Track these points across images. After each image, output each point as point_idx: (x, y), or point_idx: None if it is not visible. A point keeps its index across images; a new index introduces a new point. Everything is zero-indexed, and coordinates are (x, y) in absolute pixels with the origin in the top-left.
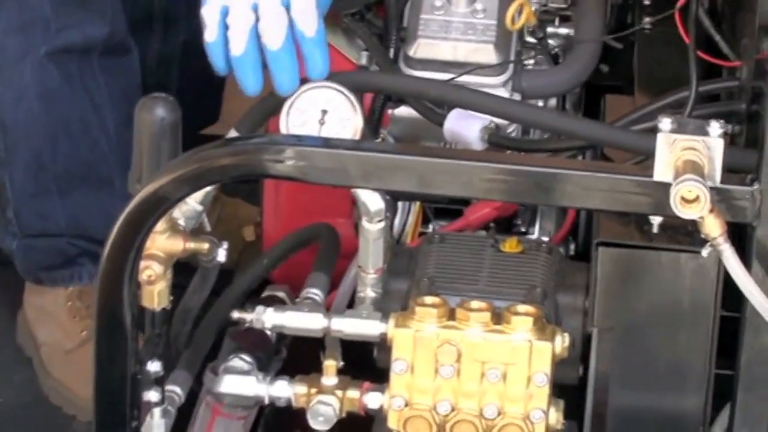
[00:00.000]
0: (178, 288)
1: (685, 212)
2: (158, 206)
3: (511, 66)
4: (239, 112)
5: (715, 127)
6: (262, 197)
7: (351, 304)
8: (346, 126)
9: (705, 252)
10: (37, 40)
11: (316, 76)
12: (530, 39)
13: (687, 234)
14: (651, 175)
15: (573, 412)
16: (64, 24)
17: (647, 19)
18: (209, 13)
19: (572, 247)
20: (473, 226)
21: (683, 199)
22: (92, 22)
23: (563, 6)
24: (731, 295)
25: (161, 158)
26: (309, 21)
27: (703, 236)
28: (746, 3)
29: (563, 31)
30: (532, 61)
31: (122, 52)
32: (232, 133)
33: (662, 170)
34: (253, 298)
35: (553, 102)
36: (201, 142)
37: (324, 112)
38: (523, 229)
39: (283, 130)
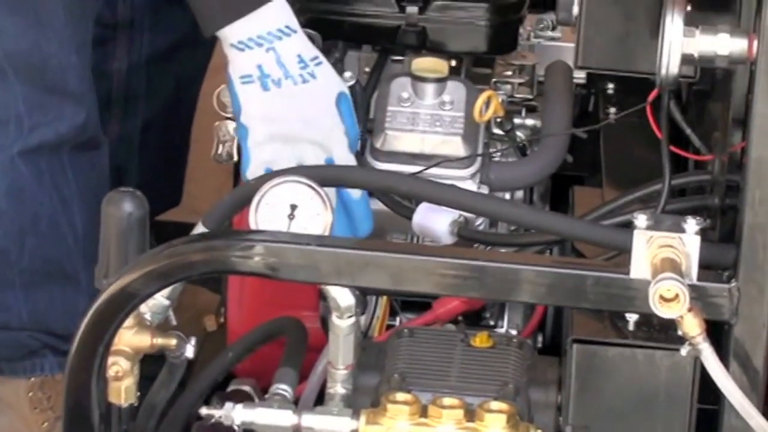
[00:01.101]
0: (146, 379)
1: (664, 311)
2: (127, 302)
3: (479, 158)
4: (201, 196)
5: (692, 224)
6: (226, 287)
7: (320, 398)
8: (316, 221)
9: (684, 351)
10: (9, 139)
11: (364, 234)
12: (497, 131)
13: (662, 330)
14: (628, 273)
15: None
16: (38, 121)
17: (613, 110)
18: (254, 176)
19: (539, 339)
20: (442, 319)
21: (662, 297)
22: (66, 116)
23: (529, 97)
24: (707, 386)
25: (129, 253)
26: None
27: (681, 335)
28: (717, 96)
29: (530, 122)
30: (499, 154)
31: (93, 146)
32: (199, 227)
33: (639, 268)
34: (218, 391)
35: (520, 194)
36: (162, 229)
37: (293, 206)
38: (491, 323)
39: (252, 225)
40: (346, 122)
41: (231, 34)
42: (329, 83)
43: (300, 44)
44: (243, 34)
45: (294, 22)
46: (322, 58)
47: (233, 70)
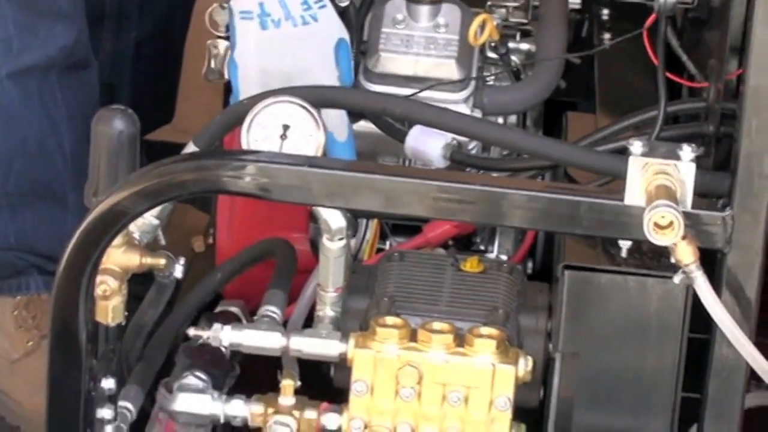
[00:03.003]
0: (135, 298)
1: (658, 239)
2: (116, 221)
3: (473, 82)
4: (192, 117)
5: (687, 151)
6: (215, 208)
7: (308, 321)
8: (309, 142)
9: (677, 279)
10: None
11: None
12: (492, 54)
13: (654, 257)
14: (622, 199)
15: None
16: (27, 44)
17: (607, 36)
18: None
19: (530, 265)
20: (432, 243)
21: (656, 225)
22: (56, 37)
23: (524, 21)
24: (698, 316)
25: (119, 172)
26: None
27: (674, 262)
28: (713, 23)
29: (525, 46)
30: (493, 77)
31: (82, 66)
32: (190, 147)
33: (633, 194)
34: (206, 312)
35: (513, 119)
36: (151, 148)
37: (286, 127)
38: (482, 248)
39: (244, 145)
40: (341, 69)
41: None
42: (330, 27)
43: None
44: None
45: None
46: (326, 1)
47: (235, 4)
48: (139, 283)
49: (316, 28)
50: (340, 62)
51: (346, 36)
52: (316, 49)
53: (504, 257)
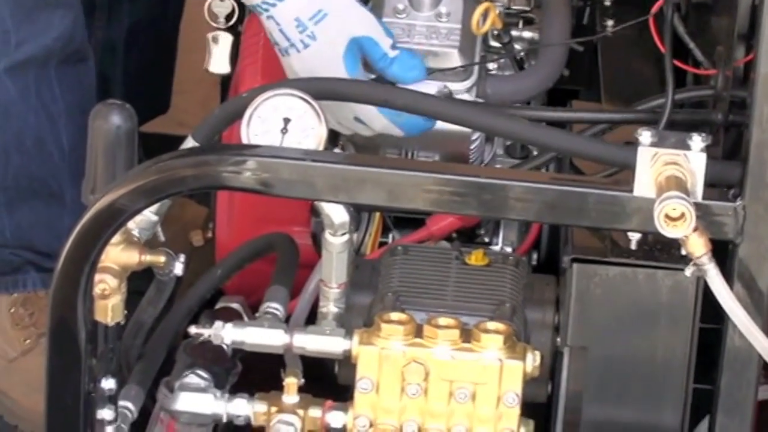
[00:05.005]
0: (136, 294)
1: (670, 231)
2: (114, 218)
3: (476, 71)
4: (188, 109)
5: (697, 141)
6: (214, 202)
7: (311, 317)
8: (310, 135)
9: (688, 272)
10: None
11: None
12: (495, 43)
13: (663, 249)
14: (631, 190)
15: None
16: (25, 36)
17: (610, 23)
18: None
19: (534, 256)
20: (436, 236)
21: (667, 216)
22: (54, 26)
23: (526, 8)
24: (709, 306)
25: (117, 168)
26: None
27: (686, 254)
28: (721, 9)
29: (527, 34)
30: (496, 66)
31: (80, 59)
32: (189, 142)
33: (643, 185)
34: (206, 309)
35: None
36: (147, 141)
37: (287, 120)
38: (486, 240)
39: (244, 139)
40: (373, 61)
41: None
42: (332, 39)
43: (297, 4)
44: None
45: None
46: (326, 7)
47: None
48: (138, 277)
49: (316, 46)
50: (367, 60)
51: (355, 34)
52: (324, 67)
53: (509, 249)
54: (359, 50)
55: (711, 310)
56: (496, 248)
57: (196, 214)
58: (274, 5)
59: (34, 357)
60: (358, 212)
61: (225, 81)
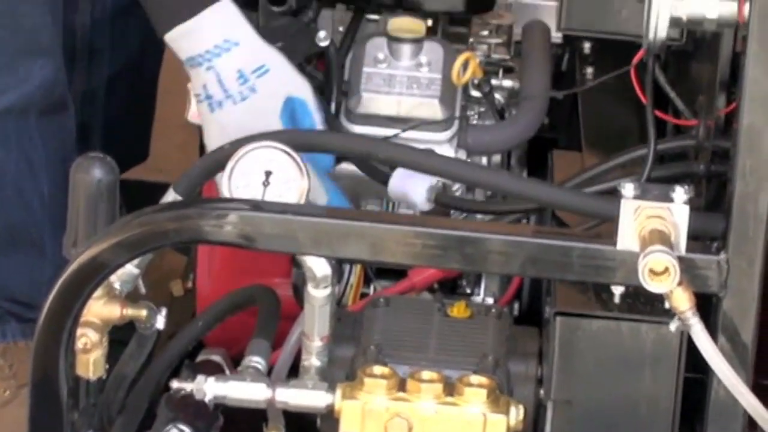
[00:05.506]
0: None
1: (654, 286)
2: (97, 272)
3: (457, 121)
4: (167, 155)
5: (680, 193)
6: (195, 252)
7: (293, 368)
8: (292, 188)
9: (673, 327)
10: None
11: None
12: (475, 93)
13: (647, 302)
14: (614, 244)
15: None
16: (6, 85)
17: (590, 70)
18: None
19: (516, 307)
20: (418, 287)
21: (652, 271)
22: (35, 75)
23: (506, 57)
24: (693, 356)
25: (98, 221)
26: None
27: (670, 309)
28: (701, 56)
29: (508, 83)
30: (477, 116)
31: (60, 108)
32: (170, 194)
33: (626, 239)
34: (187, 361)
35: (497, 158)
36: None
37: (268, 173)
38: (468, 290)
39: (226, 192)
40: (300, 125)
41: (178, 49)
42: (272, 93)
43: (241, 57)
44: (187, 51)
45: (236, 32)
46: (270, 63)
47: (191, 87)
48: (117, 326)
49: (255, 99)
50: (298, 121)
51: (295, 92)
52: (261, 121)
53: (491, 300)
54: (292, 110)
55: (695, 360)
56: (478, 299)
57: (175, 264)
58: (218, 56)
59: (13, 408)
60: (340, 264)
61: None
